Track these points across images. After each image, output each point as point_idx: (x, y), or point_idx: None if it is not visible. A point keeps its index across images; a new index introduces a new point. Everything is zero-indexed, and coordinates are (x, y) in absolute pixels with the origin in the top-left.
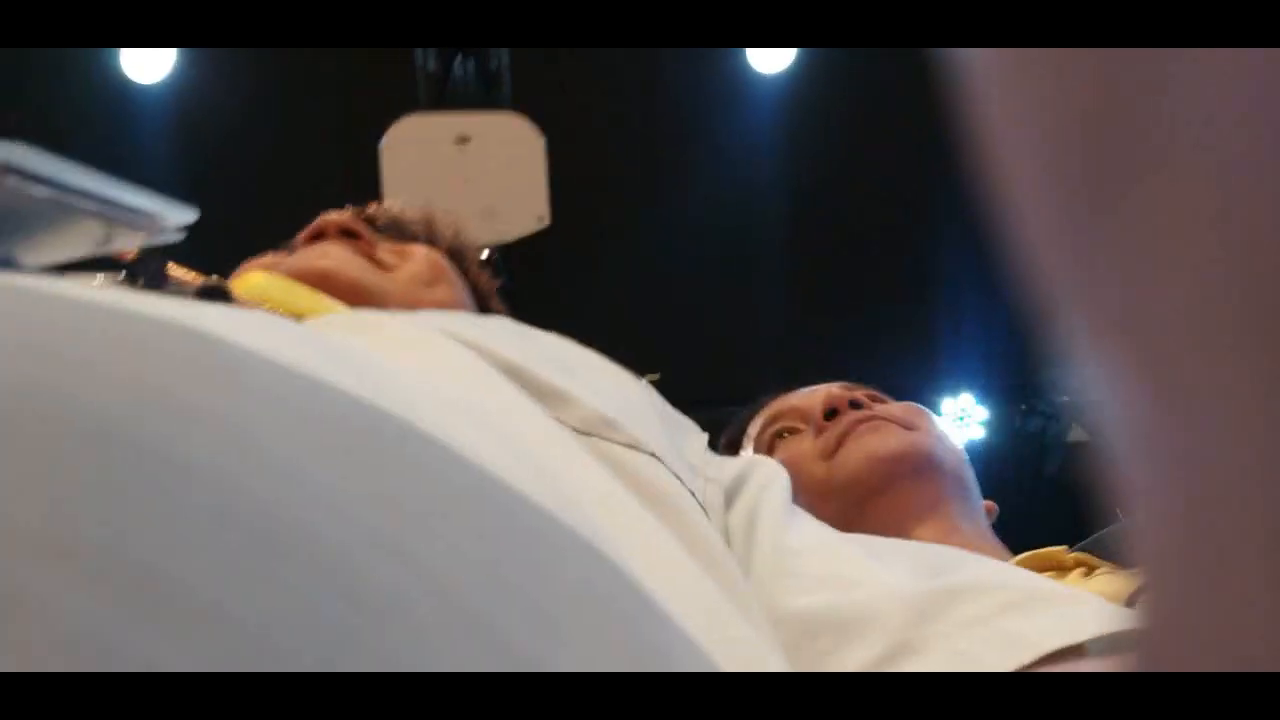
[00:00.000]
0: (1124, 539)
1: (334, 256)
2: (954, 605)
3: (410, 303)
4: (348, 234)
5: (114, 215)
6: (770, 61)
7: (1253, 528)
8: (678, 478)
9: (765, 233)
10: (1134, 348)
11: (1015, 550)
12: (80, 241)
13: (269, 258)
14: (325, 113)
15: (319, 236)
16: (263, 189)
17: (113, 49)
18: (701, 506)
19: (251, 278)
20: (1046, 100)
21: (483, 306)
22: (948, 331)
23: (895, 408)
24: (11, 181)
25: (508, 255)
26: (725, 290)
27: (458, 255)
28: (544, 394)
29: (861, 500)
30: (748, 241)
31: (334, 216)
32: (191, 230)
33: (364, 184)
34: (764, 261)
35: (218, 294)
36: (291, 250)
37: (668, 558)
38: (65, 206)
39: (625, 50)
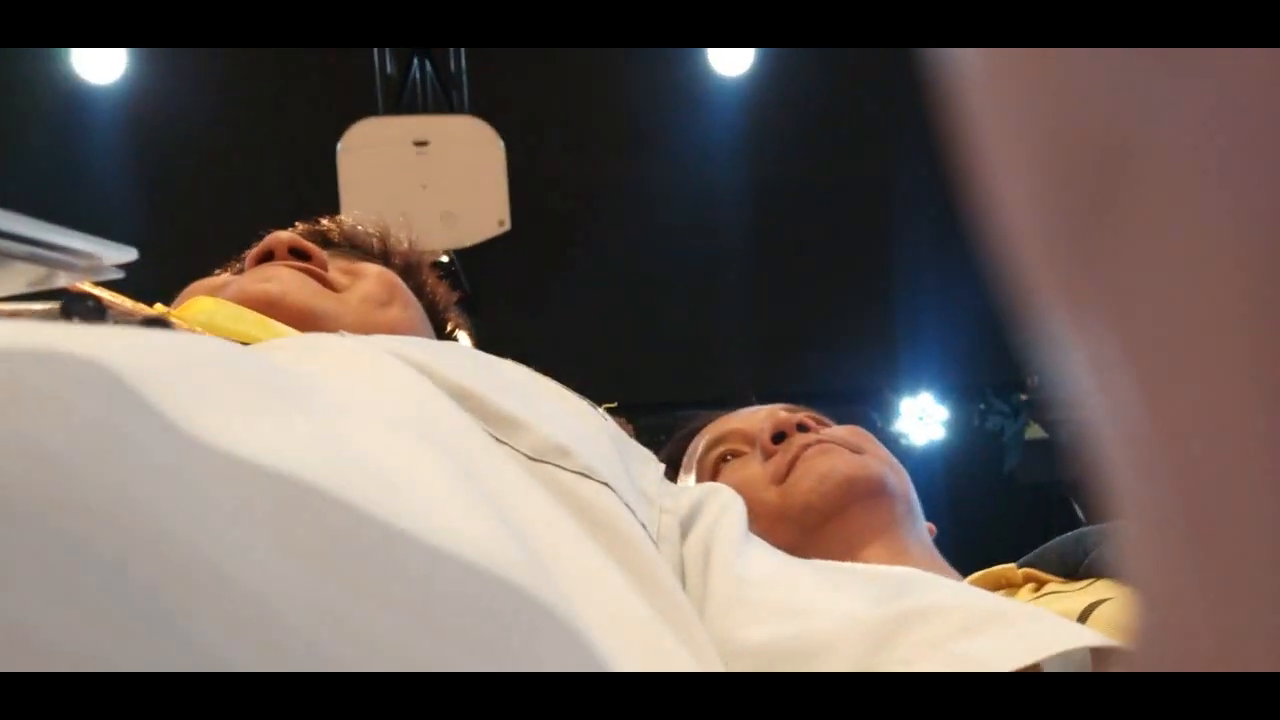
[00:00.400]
0: (1113, 548)
1: (282, 280)
2: (909, 630)
3: (363, 324)
4: (297, 254)
5: (48, 258)
6: (730, 64)
7: (1258, 539)
8: (628, 507)
9: (726, 235)
10: (1129, 360)
11: (971, 556)
12: (15, 281)
13: (219, 277)
14: (282, 115)
15: (268, 256)
16: (218, 192)
17: (63, 49)
18: (652, 538)
19: (199, 303)
20: (1034, 104)
21: (438, 321)
22: (906, 331)
23: (840, 431)
24: None
25: (468, 260)
26: (687, 292)
27: (413, 270)
28: (496, 419)
29: (815, 525)
30: (709, 243)
31: (284, 235)
32: (148, 233)
33: (322, 187)
34: (725, 263)
35: (161, 325)
36: (241, 269)
37: (606, 583)
38: None
39: (584, 53)
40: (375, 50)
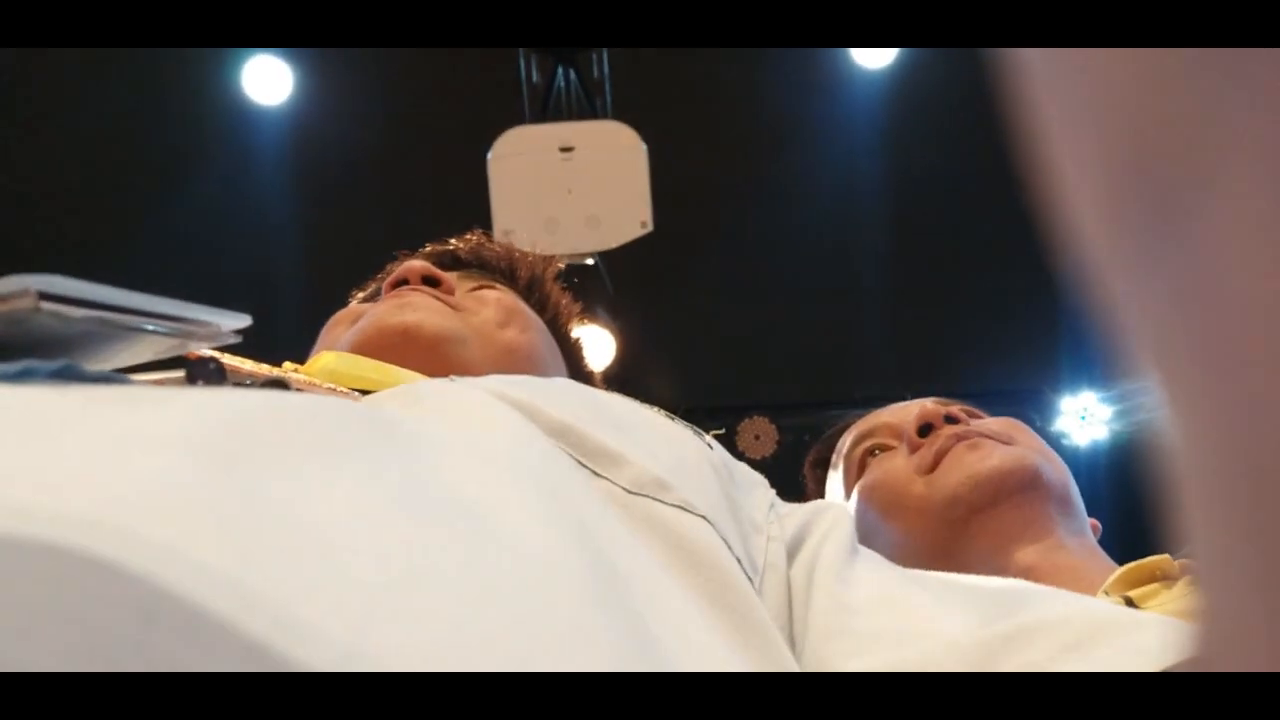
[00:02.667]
0: (1187, 559)
1: (415, 308)
2: (1011, 653)
3: (485, 346)
4: (429, 281)
5: (174, 330)
6: (873, 56)
7: None
8: (725, 541)
9: (871, 231)
10: (1195, 365)
11: (1139, 555)
12: (146, 352)
13: (357, 306)
14: (435, 128)
15: (402, 283)
16: (377, 203)
17: (235, 72)
18: (748, 572)
19: (321, 359)
20: (1098, 105)
21: (560, 334)
22: (1067, 328)
23: (993, 423)
24: (49, 308)
25: (611, 261)
26: (831, 289)
27: (536, 285)
28: (595, 454)
29: (962, 519)
30: (853, 240)
31: (416, 264)
32: (311, 241)
33: (473, 196)
34: (870, 259)
35: (279, 386)
36: (378, 294)
37: (685, 616)
38: (113, 325)
39: (725, 52)
40: (521, 60)
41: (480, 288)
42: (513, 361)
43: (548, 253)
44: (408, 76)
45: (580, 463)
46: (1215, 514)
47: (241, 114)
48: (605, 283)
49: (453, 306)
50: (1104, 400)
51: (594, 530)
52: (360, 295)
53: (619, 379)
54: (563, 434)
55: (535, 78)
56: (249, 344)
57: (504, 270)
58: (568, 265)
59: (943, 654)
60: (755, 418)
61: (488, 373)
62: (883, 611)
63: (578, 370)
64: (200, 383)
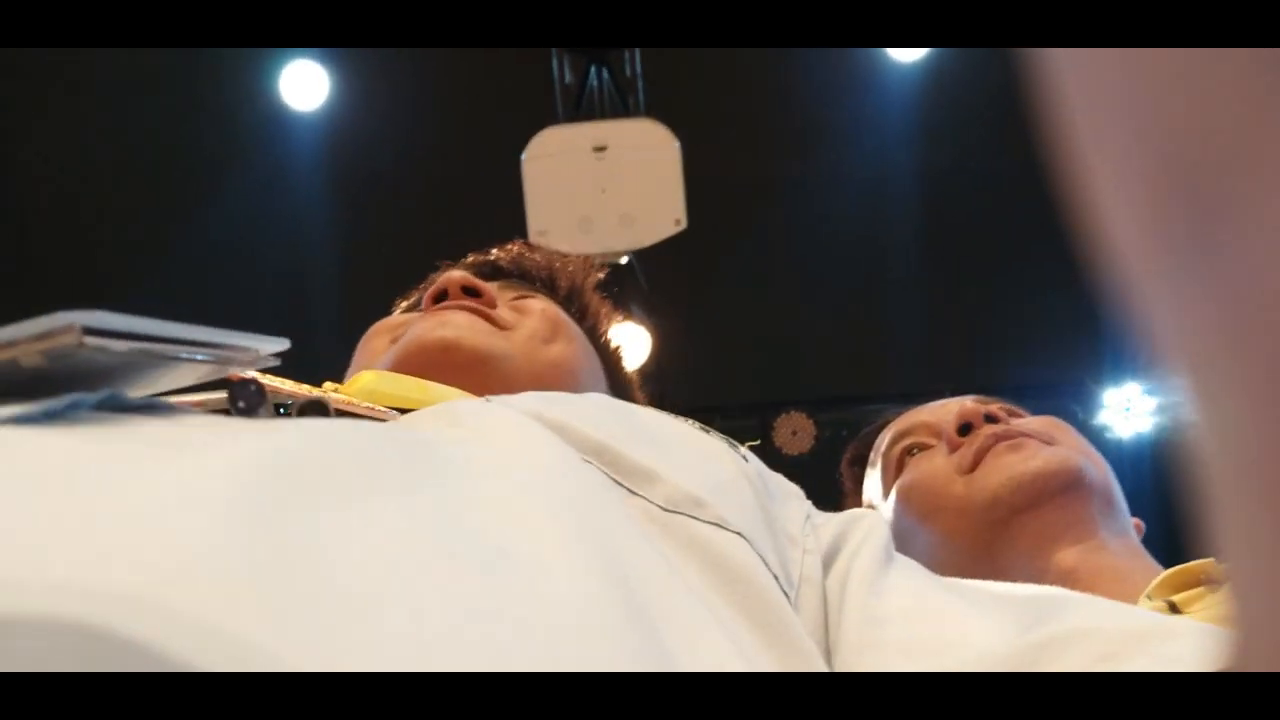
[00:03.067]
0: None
1: (456, 325)
2: (1045, 662)
3: (530, 361)
4: (469, 291)
5: (215, 356)
6: (905, 50)
7: None
8: (761, 558)
9: (905, 225)
10: (1239, 371)
11: (1185, 555)
12: (188, 377)
13: (398, 317)
14: (469, 130)
15: (443, 295)
16: (412, 206)
17: (273, 77)
18: (783, 588)
19: (361, 379)
20: (1135, 108)
21: (599, 344)
22: (1108, 319)
23: (1034, 422)
24: (93, 342)
25: (645, 259)
26: (866, 285)
27: (576, 294)
28: (631, 472)
29: (1002, 520)
30: (886, 234)
31: (456, 275)
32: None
33: (508, 197)
34: (904, 254)
35: (319, 408)
36: (420, 305)
37: (715, 639)
38: (155, 354)
39: (756, 51)
40: (554, 60)
41: (521, 297)
42: (555, 375)
43: (582, 252)
44: (442, 80)
45: (616, 481)
46: (1255, 520)
47: (278, 120)
48: (640, 281)
49: (494, 320)
50: (1148, 392)
51: (630, 564)
52: (404, 305)
53: (655, 376)
54: (599, 453)
55: (568, 78)
56: (286, 352)
57: (545, 280)
58: (603, 264)
59: (976, 664)
60: (792, 413)
61: (529, 385)
62: (915, 622)
63: (615, 376)
64: (241, 404)
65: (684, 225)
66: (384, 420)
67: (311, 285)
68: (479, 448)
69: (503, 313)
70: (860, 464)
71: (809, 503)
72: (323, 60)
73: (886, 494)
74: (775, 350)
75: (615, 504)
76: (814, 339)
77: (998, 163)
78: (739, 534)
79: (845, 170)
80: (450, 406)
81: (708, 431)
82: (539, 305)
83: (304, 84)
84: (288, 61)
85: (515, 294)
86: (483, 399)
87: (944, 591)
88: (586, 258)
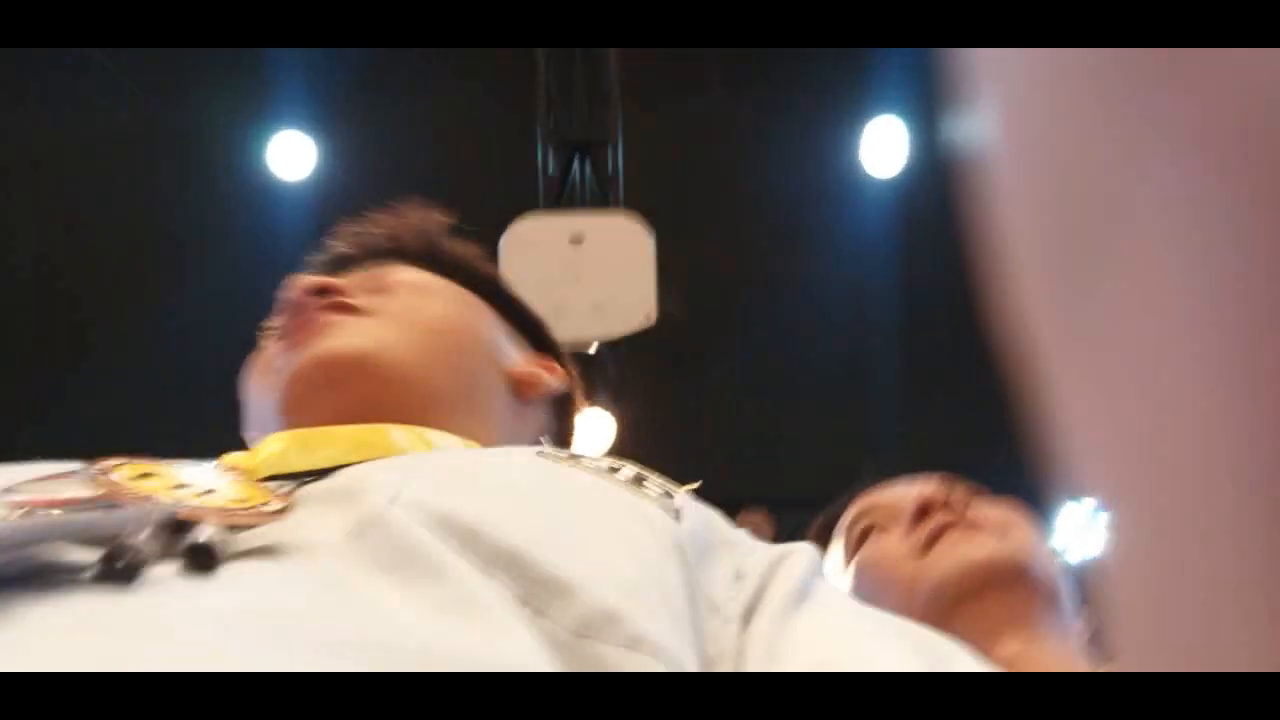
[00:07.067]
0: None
1: (322, 337)
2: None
3: (411, 334)
4: (321, 293)
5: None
6: (883, 165)
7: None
8: (675, 673)
9: (879, 330)
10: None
11: None
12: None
13: (267, 350)
14: (451, 210)
15: (296, 310)
16: None
17: (260, 149)
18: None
19: (266, 452)
20: (1037, 162)
21: (479, 286)
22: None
23: (993, 511)
24: None
25: (616, 350)
26: (835, 389)
27: (432, 251)
28: (543, 585)
29: (949, 606)
30: (858, 338)
31: (302, 282)
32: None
33: None
34: (876, 359)
35: (204, 558)
36: (278, 330)
37: None
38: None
39: (737, 148)
40: (539, 148)
41: (376, 276)
42: (443, 340)
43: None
44: (428, 158)
45: (524, 601)
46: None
47: (265, 189)
48: (606, 369)
49: (357, 310)
50: (1102, 510)
51: None
52: (268, 331)
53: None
54: (509, 564)
55: (552, 168)
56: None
57: (393, 249)
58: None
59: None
60: (752, 511)
61: (421, 362)
62: (819, 648)
63: (512, 316)
64: (120, 565)
65: (654, 320)
66: (258, 524)
67: None
68: (347, 611)
69: (363, 300)
70: (826, 534)
71: (744, 547)
72: (311, 130)
73: (846, 568)
74: (740, 447)
75: (524, 628)
76: (780, 439)
77: (968, 278)
78: (652, 656)
79: (820, 274)
80: (347, 506)
81: (641, 484)
82: (396, 275)
83: (291, 155)
84: (276, 131)
85: (369, 275)
86: (386, 503)
87: (854, 626)
88: (429, 210)
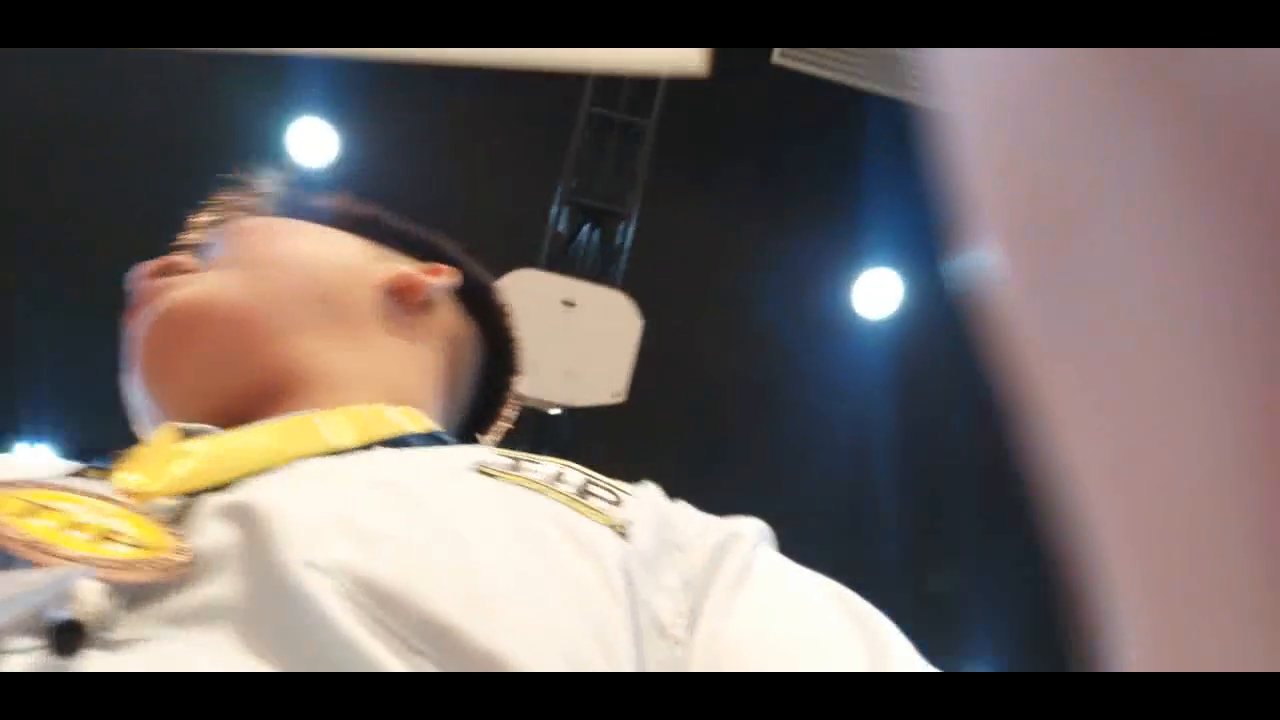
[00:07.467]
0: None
1: (157, 301)
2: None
3: (250, 279)
4: (156, 275)
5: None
6: (874, 307)
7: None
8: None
9: (877, 477)
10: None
11: None
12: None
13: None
14: (456, 236)
15: (142, 299)
16: None
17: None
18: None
19: (173, 468)
20: (1009, 160)
21: (318, 215)
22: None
23: None
24: None
25: (581, 416)
26: (836, 536)
27: (268, 199)
28: (472, 662)
29: None
30: (860, 491)
31: (139, 272)
32: None
33: None
34: (878, 506)
35: (68, 639)
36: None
37: None
38: None
39: (741, 260)
40: (555, 207)
41: (224, 231)
42: (283, 272)
43: (520, 392)
44: (447, 174)
45: (394, 654)
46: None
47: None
48: (560, 432)
49: (188, 271)
50: None
51: None
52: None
53: None
54: (438, 637)
55: (563, 226)
56: None
57: (221, 214)
58: (535, 410)
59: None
60: None
61: (263, 294)
62: (764, 650)
63: (385, 233)
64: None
65: (621, 399)
66: (160, 580)
67: None
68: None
69: (196, 262)
70: None
71: (698, 542)
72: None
73: None
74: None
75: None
76: None
77: (970, 417)
78: None
79: (806, 391)
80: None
81: (587, 495)
82: (228, 229)
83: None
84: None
85: (219, 232)
86: (304, 563)
87: (795, 616)
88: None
